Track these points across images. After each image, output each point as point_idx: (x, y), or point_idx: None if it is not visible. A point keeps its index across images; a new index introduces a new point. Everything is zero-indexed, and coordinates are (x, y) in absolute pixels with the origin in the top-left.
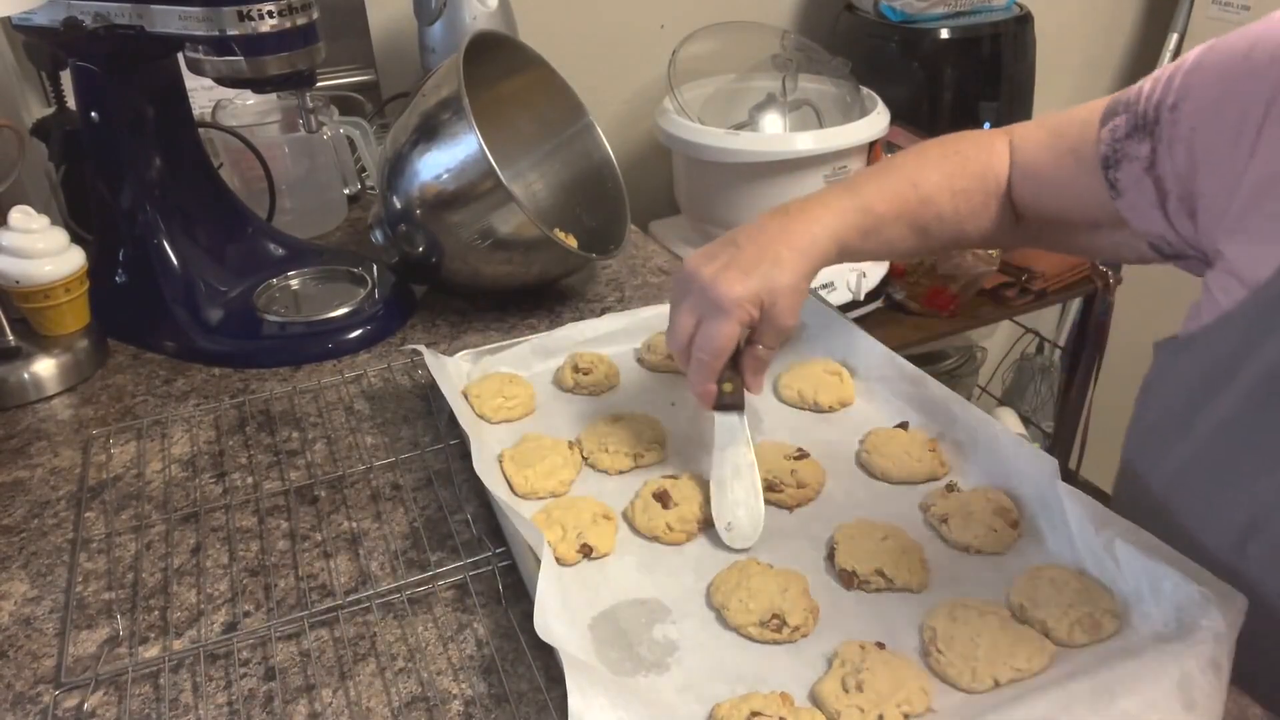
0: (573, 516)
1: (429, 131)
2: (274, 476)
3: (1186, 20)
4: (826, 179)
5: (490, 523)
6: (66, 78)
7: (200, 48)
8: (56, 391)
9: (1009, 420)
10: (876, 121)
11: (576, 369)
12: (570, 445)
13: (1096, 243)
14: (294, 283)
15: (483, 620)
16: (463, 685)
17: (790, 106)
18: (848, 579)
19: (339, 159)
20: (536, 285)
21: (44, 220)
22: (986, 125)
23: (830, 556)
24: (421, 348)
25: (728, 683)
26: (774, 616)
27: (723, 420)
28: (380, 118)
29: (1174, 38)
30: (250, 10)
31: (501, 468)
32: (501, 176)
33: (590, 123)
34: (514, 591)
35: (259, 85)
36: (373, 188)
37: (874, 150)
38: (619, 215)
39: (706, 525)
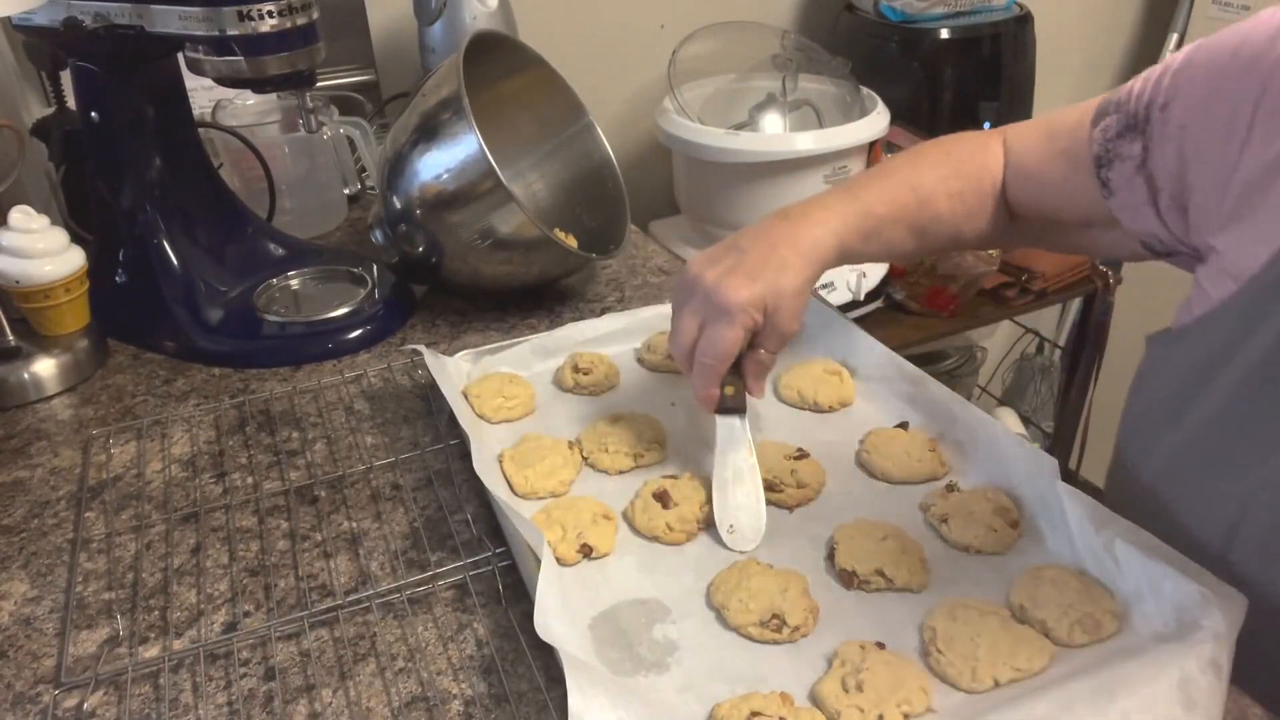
0: (573, 516)
1: (429, 131)
2: (274, 476)
3: (1186, 20)
4: (826, 179)
5: (490, 523)
6: (66, 78)
7: (200, 48)
8: (56, 391)
9: (1009, 420)
10: (876, 121)
11: (576, 369)
12: (570, 445)
13: (1090, 241)
14: (294, 283)
15: (483, 620)
16: (463, 685)
17: (790, 106)
18: (848, 579)
19: (339, 159)
20: (536, 285)
21: (44, 220)
22: (986, 125)
23: (830, 556)
24: (421, 348)
25: (728, 683)
26: (774, 616)
27: (724, 423)
28: (380, 118)
29: (1174, 38)
30: (250, 10)
31: (501, 468)
32: (501, 176)
33: (590, 123)
34: (514, 591)
35: (259, 85)
36: (373, 188)
37: (874, 150)
38: (619, 215)
39: (706, 525)
